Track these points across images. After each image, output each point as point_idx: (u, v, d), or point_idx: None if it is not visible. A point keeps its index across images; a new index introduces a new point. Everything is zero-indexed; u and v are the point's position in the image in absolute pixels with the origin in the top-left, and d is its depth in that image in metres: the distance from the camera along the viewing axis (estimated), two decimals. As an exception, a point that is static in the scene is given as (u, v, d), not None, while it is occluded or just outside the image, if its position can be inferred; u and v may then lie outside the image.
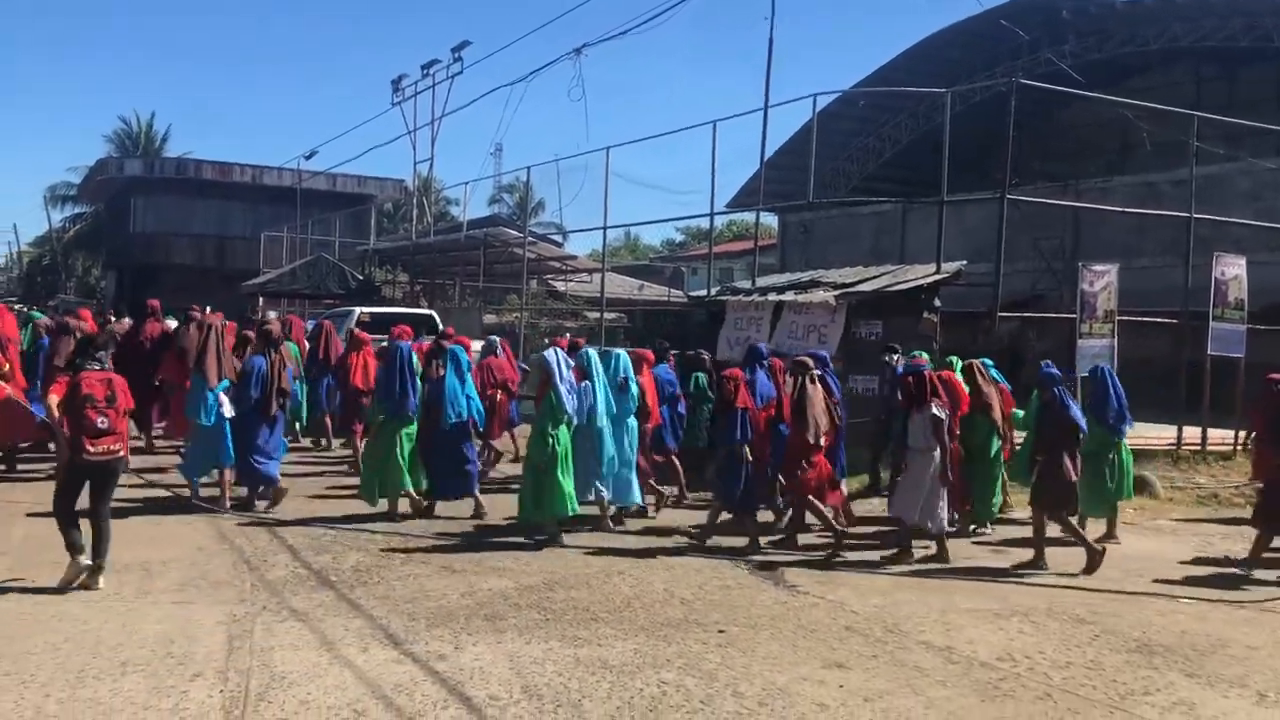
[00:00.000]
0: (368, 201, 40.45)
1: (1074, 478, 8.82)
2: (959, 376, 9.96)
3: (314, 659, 5.97)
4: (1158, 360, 14.97)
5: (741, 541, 9.27)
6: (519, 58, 63.92)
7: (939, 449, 8.84)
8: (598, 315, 23.36)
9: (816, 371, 9.65)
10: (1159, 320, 15.29)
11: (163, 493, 10.93)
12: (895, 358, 10.93)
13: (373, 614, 6.90)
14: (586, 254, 35.76)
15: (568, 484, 9.32)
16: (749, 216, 43.43)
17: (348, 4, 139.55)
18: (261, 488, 10.42)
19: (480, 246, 26.94)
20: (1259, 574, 8.86)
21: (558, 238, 36.71)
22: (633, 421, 10.13)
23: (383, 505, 10.14)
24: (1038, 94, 18.91)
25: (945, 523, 9.02)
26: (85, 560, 7.19)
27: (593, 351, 10.29)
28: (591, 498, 9.88)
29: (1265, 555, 9.09)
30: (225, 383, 10.32)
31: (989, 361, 10.64)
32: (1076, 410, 9.01)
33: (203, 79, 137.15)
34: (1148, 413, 14.43)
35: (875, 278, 14.79)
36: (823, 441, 9.23)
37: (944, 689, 5.87)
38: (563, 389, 9.38)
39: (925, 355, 10.02)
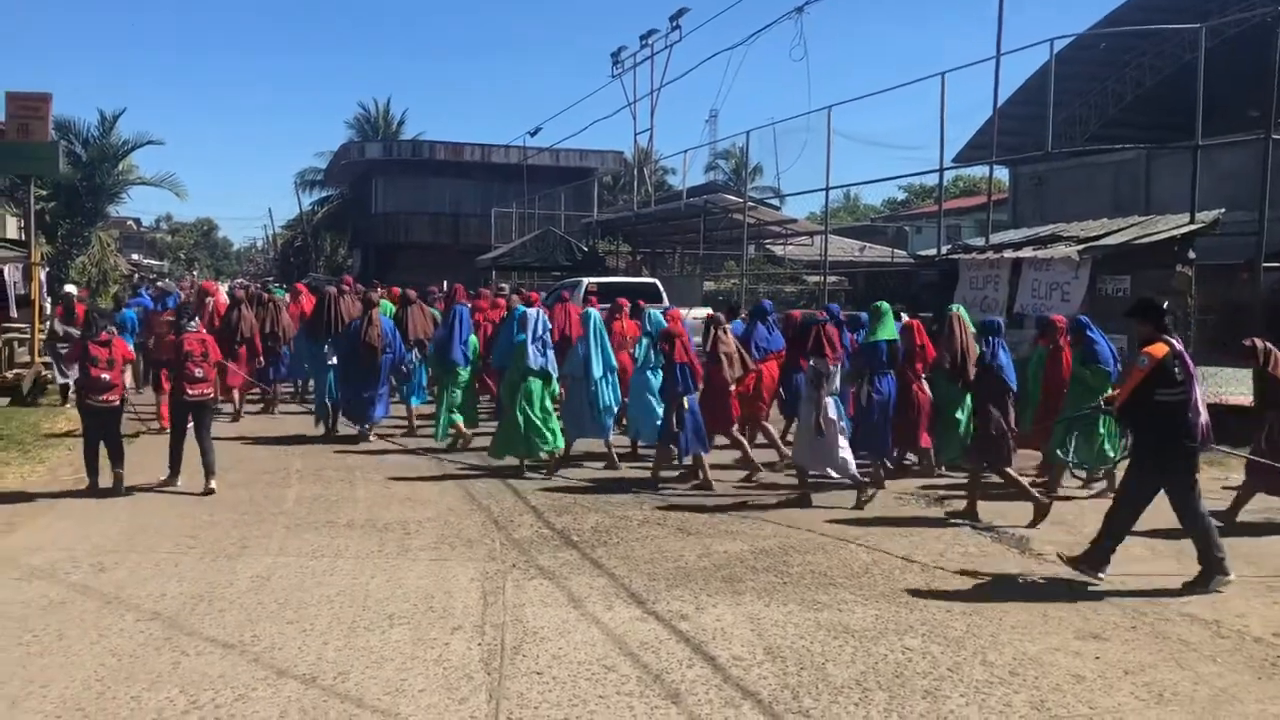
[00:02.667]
0: (589, 175, 41.33)
1: (1004, 430, 8.73)
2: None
3: (562, 615, 6.21)
4: None
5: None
6: (738, 21, 63.23)
7: (824, 398, 9.16)
8: (818, 279, 23.08)
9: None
10: None
11: (407, 457, 11.63)
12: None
13: (615, 573, 7.11)
14: (805, 217, 35.34)
15: (530, 426, 10.39)
16: (976, 171, 41.80)
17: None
18: (364, 426, 12.69)
19: (700, 214, 27.07)
20: None
21: (775, 202, 36.43)
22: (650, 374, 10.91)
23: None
24: (1306, 22, 17.18)
25: (846, 469, 9.21)
26: (180, 480, 9.67)
27: (594, 312, 11.38)
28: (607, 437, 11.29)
29: None
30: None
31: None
32: (1006, 362, 8.89)
33: (435, 63, 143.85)
34: None
35: (1121, 230, 13.95)
36: (733, 387, 10.46)
37: (1213, 664, 5.51)
38: (531, 346, 10.52)
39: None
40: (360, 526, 8.39)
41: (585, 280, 21.80)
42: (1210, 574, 6.77)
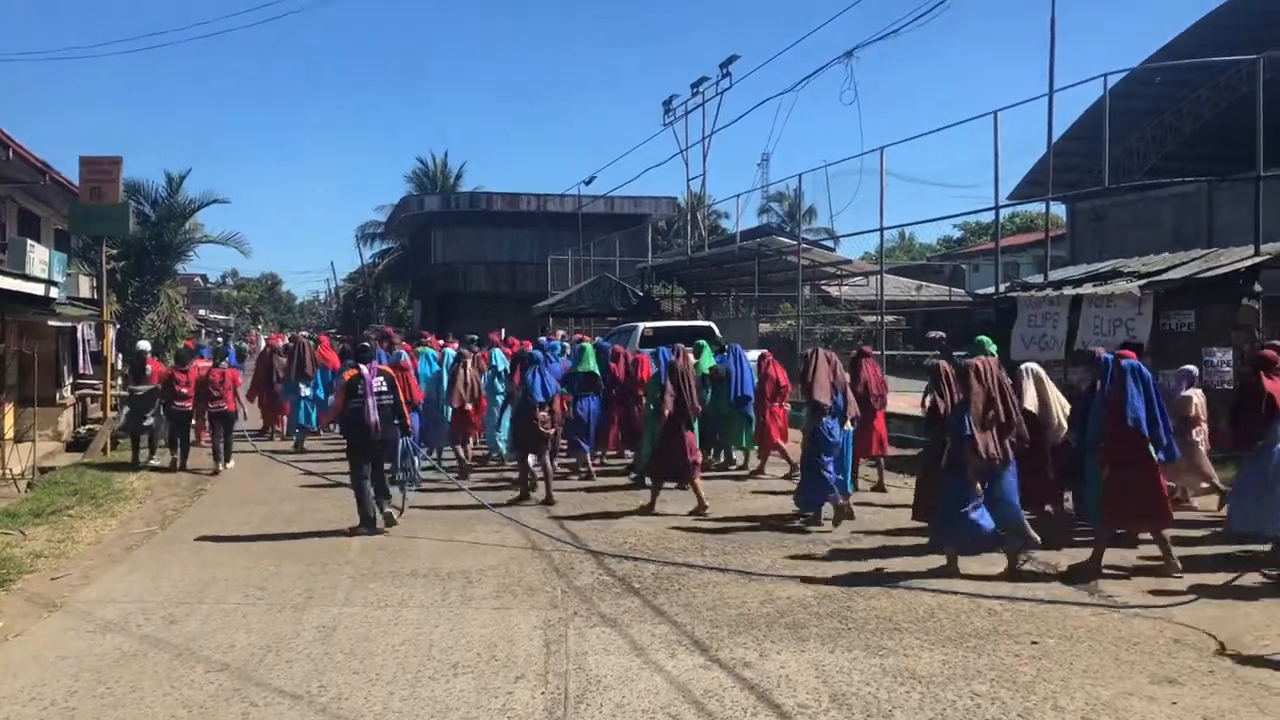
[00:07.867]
0: (643, 221, 41.57)
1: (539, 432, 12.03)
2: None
3: (625, 664, 6.20)
4: None
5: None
6: (789, 65, 63.58)
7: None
8: (874, 319, 22.94)
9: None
10: None
11: (470, 500, 11.70)
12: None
13: (677, 620, 7.08)
14: (860, 257, 35.19)
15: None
16: (1032, 208, 41.37)
17: (620, 34, 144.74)
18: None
19: (754, 257, 27.09)
20: None
21: (829, 243, 36.34)
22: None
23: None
24: (1368, 48, 16.83)
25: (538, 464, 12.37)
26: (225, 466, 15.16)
27: (450, 350, 15.47)
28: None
29: None
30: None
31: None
32: (535, 386, 12.01)
33: (489, 117, 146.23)
34: None
35: (1184, 264, 13.71)
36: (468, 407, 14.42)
37: (1296, 710, 5.35)
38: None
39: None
40: (424, 575, 8.46)
41: (640, 325, 21.86)
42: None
